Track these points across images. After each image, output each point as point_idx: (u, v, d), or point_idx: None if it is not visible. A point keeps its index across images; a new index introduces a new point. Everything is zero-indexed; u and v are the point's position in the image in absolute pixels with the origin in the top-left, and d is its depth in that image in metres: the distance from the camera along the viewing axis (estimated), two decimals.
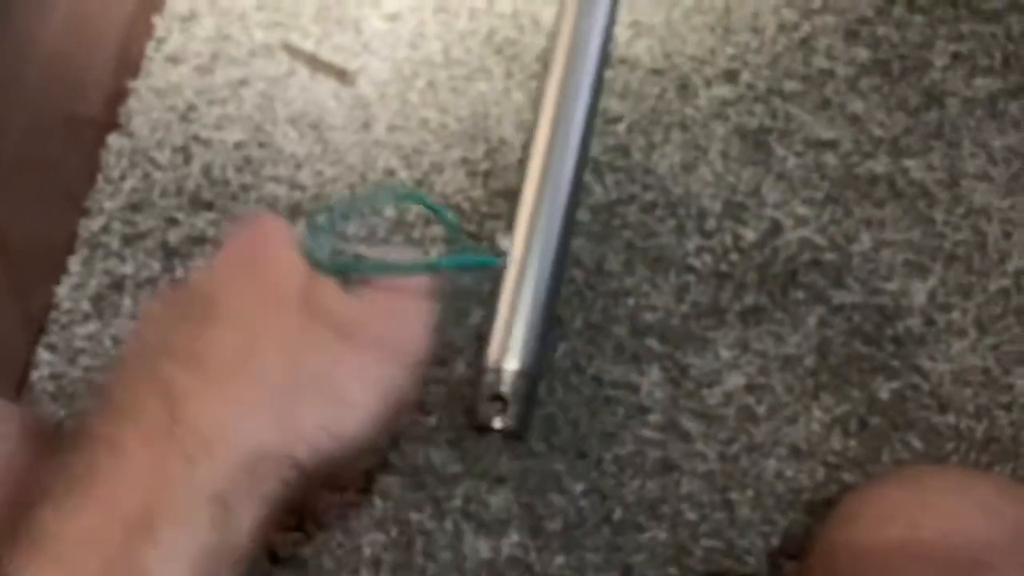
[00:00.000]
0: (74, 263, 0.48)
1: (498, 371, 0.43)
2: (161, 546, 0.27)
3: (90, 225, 0.49)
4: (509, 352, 0.43)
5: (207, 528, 0.28)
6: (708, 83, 0.51)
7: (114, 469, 0.28)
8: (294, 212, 0.49)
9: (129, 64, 0.51)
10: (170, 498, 0.27)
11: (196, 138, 0.50)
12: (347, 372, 0.32)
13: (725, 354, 0.47)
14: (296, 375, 0.31)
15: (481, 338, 0.45)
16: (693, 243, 0.48)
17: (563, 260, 0.46)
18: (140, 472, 0.28)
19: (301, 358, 0.31)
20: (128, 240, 0.49)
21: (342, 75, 0.51)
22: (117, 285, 0.48)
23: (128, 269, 0.48)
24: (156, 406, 0.29)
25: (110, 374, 0.33)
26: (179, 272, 0.48)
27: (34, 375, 0.47)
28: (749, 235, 0.48)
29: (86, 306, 0.48)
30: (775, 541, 0.44)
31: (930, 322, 0.47)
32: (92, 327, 0.47)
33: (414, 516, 0.45)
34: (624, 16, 0.51)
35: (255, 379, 0.30)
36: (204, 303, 0.32)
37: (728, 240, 0.48)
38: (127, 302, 0.48)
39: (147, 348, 0.31)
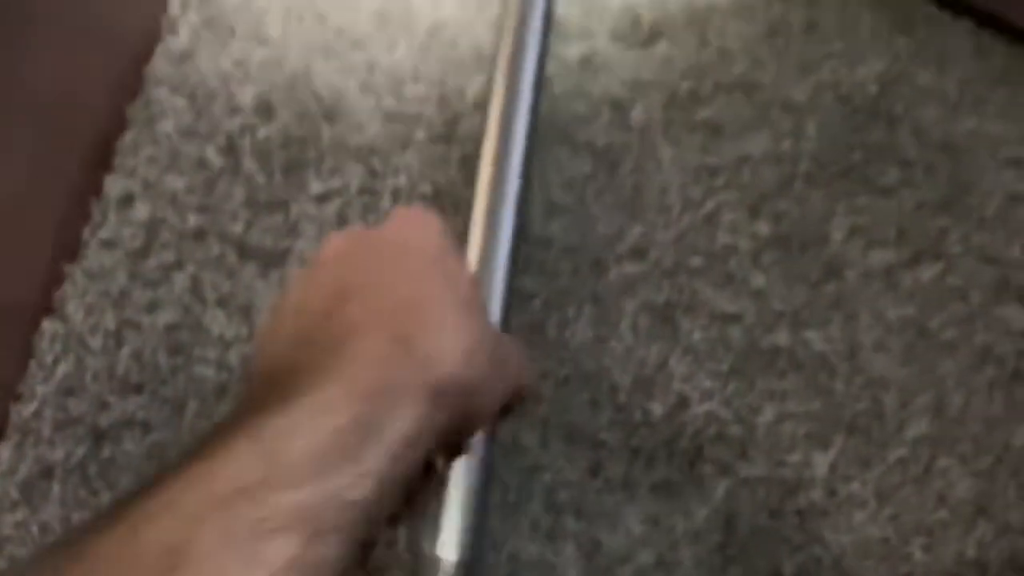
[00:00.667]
0: (4, 449, 0.50)
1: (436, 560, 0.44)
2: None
3: (22, 411, 0.50)
4: (445, 542, 0.44)
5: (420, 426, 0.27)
6: (619, 260, 0.53)
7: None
8: (221, 393, 0.51)
9: (66, 249, 0.53)
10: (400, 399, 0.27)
11: (128, 322, 0.52)
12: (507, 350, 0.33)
13: (637, 529, 0.48)
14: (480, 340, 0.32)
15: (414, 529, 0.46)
16: (605, 417, 0.50)
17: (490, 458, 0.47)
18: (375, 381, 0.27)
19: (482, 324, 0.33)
20: (59, 425, 0.50)
21: (270, 257, 0.53)
22: (47, 472, 0.49)
23: (59, 455, 0.50)
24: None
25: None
26: (106, 454, 0.50)
27: None
28: (657, 409, 0.50)
29: (14, 493, 0.49)
30: None
31: (832, 493, 0.49)
32: (20, 515, 0.49)
33: None
34: (538, 196, 0.54)
35: (471, 331, 0.31)
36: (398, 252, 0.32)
37: (638, 415, 0.50)
38: (56, 489, 0.49)
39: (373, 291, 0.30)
